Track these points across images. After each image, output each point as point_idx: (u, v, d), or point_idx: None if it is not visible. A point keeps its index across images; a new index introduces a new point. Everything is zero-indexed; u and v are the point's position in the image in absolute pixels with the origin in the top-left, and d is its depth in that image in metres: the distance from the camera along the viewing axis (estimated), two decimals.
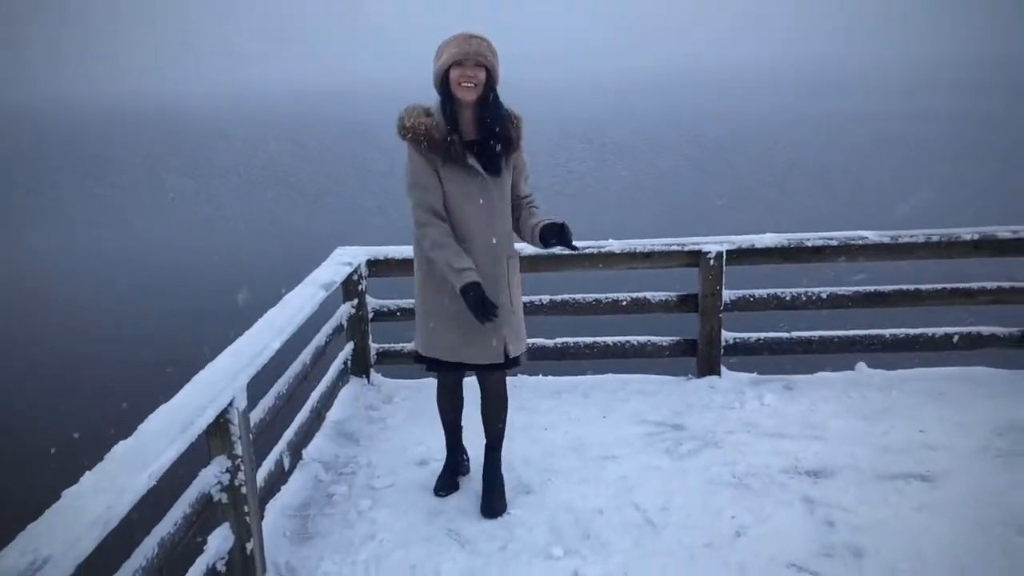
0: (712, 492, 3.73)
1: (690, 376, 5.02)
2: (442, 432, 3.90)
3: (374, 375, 5.08)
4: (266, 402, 3.54)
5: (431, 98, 3.30)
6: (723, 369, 4.99)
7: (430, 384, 5.01)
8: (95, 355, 9.81)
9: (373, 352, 5.06)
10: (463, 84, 3.15)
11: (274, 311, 3.65)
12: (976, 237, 4.75)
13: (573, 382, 5.05)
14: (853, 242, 4.77)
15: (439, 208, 3.26)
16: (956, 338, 4.92)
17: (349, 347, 4.93)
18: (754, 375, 5.02)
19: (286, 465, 3.73)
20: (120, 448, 2.38)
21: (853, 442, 4.14)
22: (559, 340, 5.07)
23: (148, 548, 2.46)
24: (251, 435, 3.06)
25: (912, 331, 4.96)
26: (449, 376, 3.71)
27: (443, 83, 3.19)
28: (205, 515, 2.90)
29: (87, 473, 2.24)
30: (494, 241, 3.34)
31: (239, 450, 2.93)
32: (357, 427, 4.50)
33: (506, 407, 3.67)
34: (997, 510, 3.45)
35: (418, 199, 3.26)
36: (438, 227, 3.24)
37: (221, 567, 2.98)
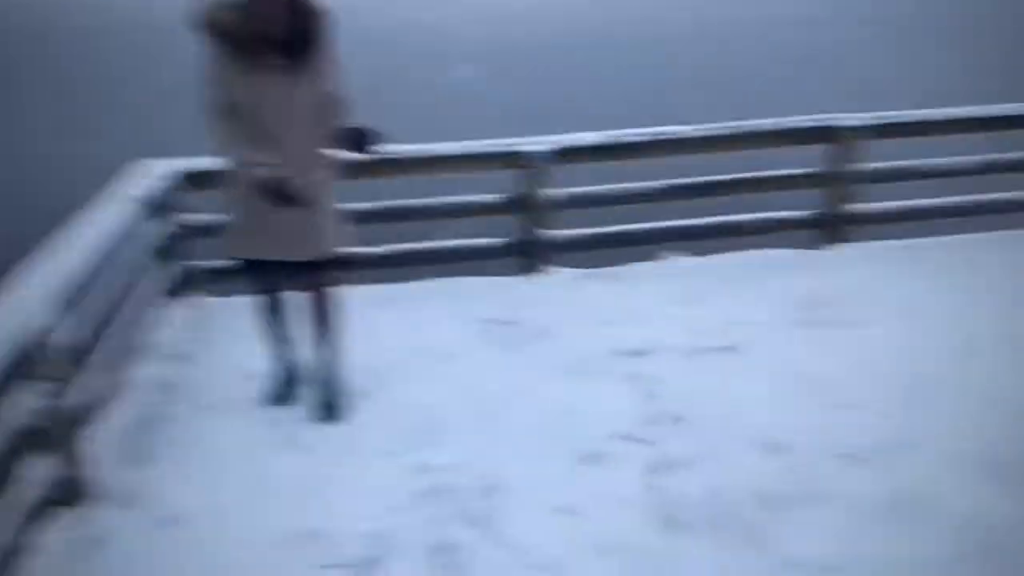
0: (545, 378, 3.93)
1: (519, 275, 5.18)
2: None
3: (199, 296, 4.89)
4: (78, 326, 3.34)
5: None
6: (552, 268, 5.19)
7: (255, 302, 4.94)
8: None
9: (197, 272, 4.86)
10: None
11: (80, 230, 3.43)
12: (771, 128, 5.14)
13: (406, 288, 5.08)
14: (663, 136, 5.03)
15: (233, 105, 3.15)
16: (752, 224, 5.35)
17: (171, 268, 4.70)
18: (581, 271, 5.24)
19: (111, 389, 3.57)
20: None
21: (670, 323, 4.45)
22: (388, 247, 5.07)
23: None
24: (65, 360, 2.90)
25: (720, 219, 5.34)
26: (264, 281, 3.64)
27: None
28: (27, 443, 2.76)
29: None
30: (293, 140, 3.24)
31: (54, 373, 2.78)
32: (186, 348, 4.35)
33: (333, 310, 3.64)
34: (791, 372, 3.87)
35: (212, 96, 3.16)
36: (227, 124, 3.16)
37: (53, 494, 2.86)
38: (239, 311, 4.77)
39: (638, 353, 4.14)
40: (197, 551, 2.83)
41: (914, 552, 2.71)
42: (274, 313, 3.71)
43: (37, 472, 2.83)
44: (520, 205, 5.02)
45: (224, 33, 3.06)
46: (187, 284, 4.82)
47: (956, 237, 5.46)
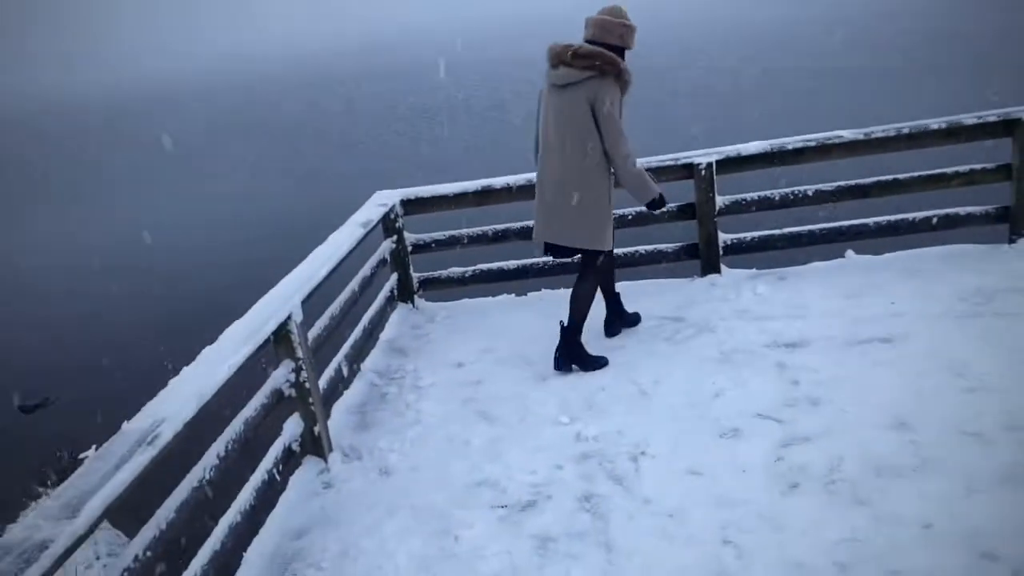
0: (700, 367, 4.39)
1: (694, 277, 5.64)
2: (474, 342, 4.95)
3: (418, 300, 5.86)
4: (322, 321, 4.33)
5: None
6: (724, 268, 5.59)
7: (464, 305, 5.84)
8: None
9: (415, 281, 5.83)
10: None
11: (320, 248, 4.44)
12: (944, 126, 5.19)
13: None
14: (830, 141, 5.27)
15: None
16: (935, 220, 5.39)
17: (394, 277, 5.71)
18: (752, 271, 5.60)
19: (345, 372, 4.54)
20: (206, 350, 3.19)
21: (830, 317, 4.73)
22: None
23: (236, 425, 3.29)
24: (309, 345, 3.85)
25: (893, 217, 5.45)
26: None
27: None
28: (280, 407, 3.73)
29: (185, 368, 3.06)
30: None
31: (300, 354, 3.73)
32: (405, 343, 5.30)
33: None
34: (940, 359, 4.03)
35: (621, 129, 4.19)
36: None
37: (295, 447, 3.82)
38: (451, 313, 5.70)
39: (793, 345, 4.47)
40: (402, 494, 3.65)
41: (1018, 521, 2.90)
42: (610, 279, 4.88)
43: (288, 428, 3.81)
44: (693, 211, 5.48)
45: (627, 79, 4.15)
46: (410, 291, 5.79)
47: None
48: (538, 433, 3.98)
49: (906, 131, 5.22)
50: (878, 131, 5.25)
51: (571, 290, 4.60)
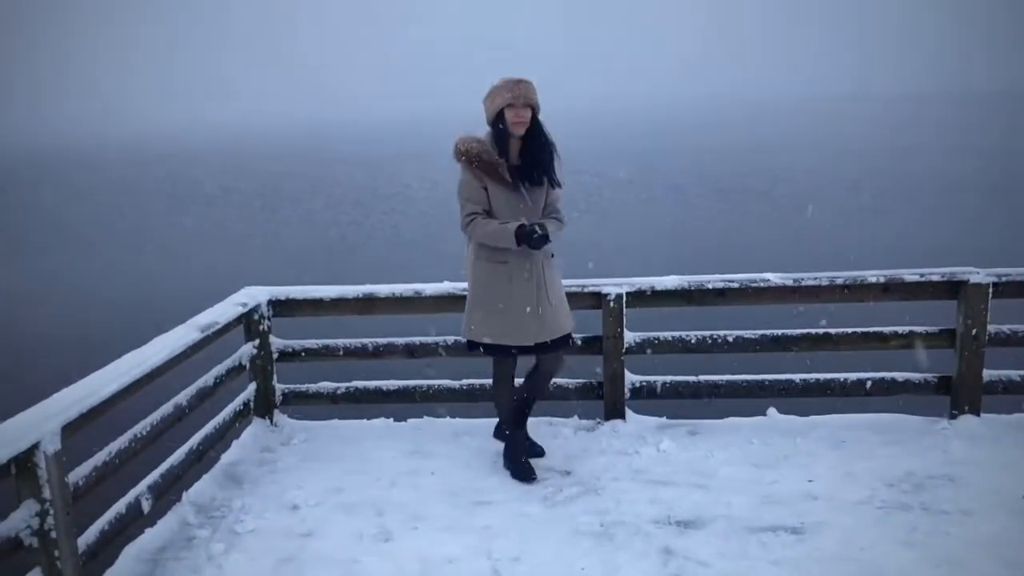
0: (572, 542, 3.64)
1: (598, 420, 4.93)
2: (323, 479, 4.23)
3: (279, 416, 5.07)
4: (117, 445, 3.54)
5: (470, 129, 4.14)
6: (629, 413, 4.90)
7: (332, 426, 5.08)
8: None
9: (279, 393, 5.06)
10: (515, 123, 3.93)
11: (130, 355, 3.68)
12: (883, 280, 4.63)
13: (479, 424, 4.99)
14: (755, 284, 4.68)
15: (484, 211, 4.00)
16: (869, 384, 4.77)
17: (251, 388, 4.93)
18: (662, 419, 4.92)
19: (145, 508, 3.71)
20: None
21: (736, 491, 4.02)
22: (464, 382, 5.02)
23: None
24: (67, 479, 3.06)
25: (823, 376, 4.83)
26: (505, 362, 4.29)
27: (496, 120, 3.98)
28: (17, 559, 2.90)
29: None
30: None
31: (47, 494, 2.93)
32: (246, 470, 4.49)
33: (547, 386, 4.49)
34: (852, 564, 3.32)
35: (467, 206, 4.01)
36: (483, 217, 3.98)
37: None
38: (314, 435, 4.94)
39: (685, 524, 3.74)
40: None
41: None
42: (509, 388, 4.43)
43: None
44: (600, 345, 4.82)
45: (474, 159, 3.96)
46: (269, 404, 5.01)
47: None
48: None
49: (840, 281, 4.65)
50: (808, 279, 4.68)
51: None
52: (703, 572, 3.35)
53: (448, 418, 5.11)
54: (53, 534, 2.96)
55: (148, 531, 3.83)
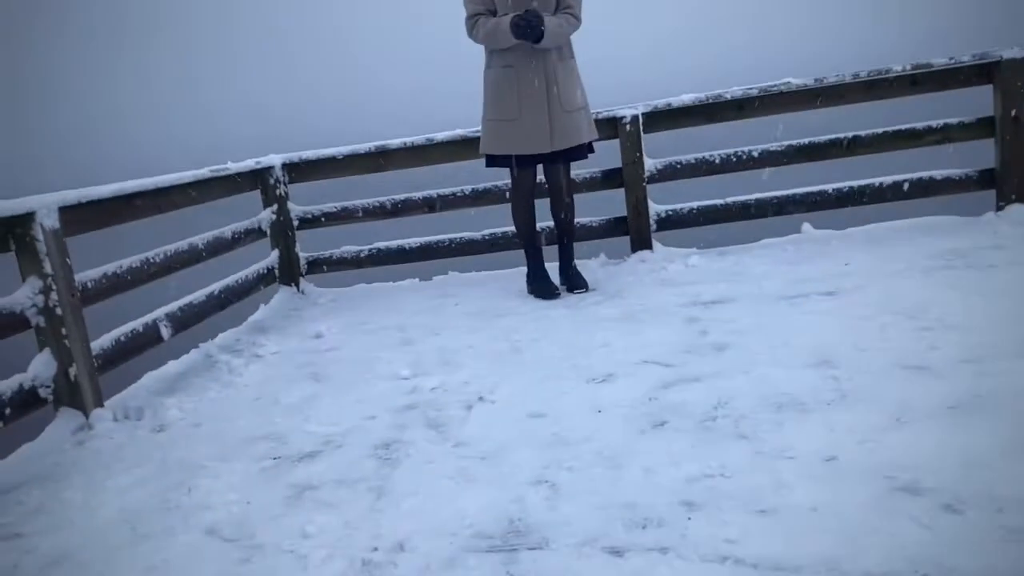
0: (592, 325, 3.51)
1: (625, 257, 4.77)
2: (348, 316, 4.24)
3: (304, 284, 5.03)
4: (128, 262, 3.51)
5: None
6: (656, 244, 4.73)
7: (359, 291, 4.99)
8: None
9: (303, 261, 5.02)
10: None
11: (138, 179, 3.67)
12: (910, 70, 4.38)
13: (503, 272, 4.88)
14: (775, 89, 4.48)
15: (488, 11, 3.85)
16: (907, 185, 4.52)
17: (275, 255, 4.90)
18: (692, 249, 4.74)
19: (164, 334, 3.68)
20: None
21: (768, 278, 3.84)
22: (485, 232, 4.93)
23: None
24: (68, 259, 3.03)
25: (857, 183, 4.58)
26: (521, 174, 4.05)
27: None
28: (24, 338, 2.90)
29: None
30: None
31: (48, 268, 2.91)
32: (272, 323, 4.45)
33: (571, 201, 4.24)
34: (894, 305, 3.11)
35: (469, 6, 3.89)
36: (485, 18, 3.83)
37: (46, 394, 2.96)
38: (339, 296, 4.90)
39: (714, 302, 3.58)
40: (161, 449, 2.75)
41: (955, 451, 1.95)
42: (526, 204, 4.25)
43: (34, 366, 2.96)
44: (621, 177, 4.67)
45: None
46: (295, 272, 4.98)
47: None
48: (366, 388, 3.09)
49: (864, 75, 4.41)
50: (830, 78, 4.45)
51: None
52: (730, 326, 3.19)
53: (473, 272, 5.01)
54: (58, 311, 2.94)
55: (171, 362, 3.81)
